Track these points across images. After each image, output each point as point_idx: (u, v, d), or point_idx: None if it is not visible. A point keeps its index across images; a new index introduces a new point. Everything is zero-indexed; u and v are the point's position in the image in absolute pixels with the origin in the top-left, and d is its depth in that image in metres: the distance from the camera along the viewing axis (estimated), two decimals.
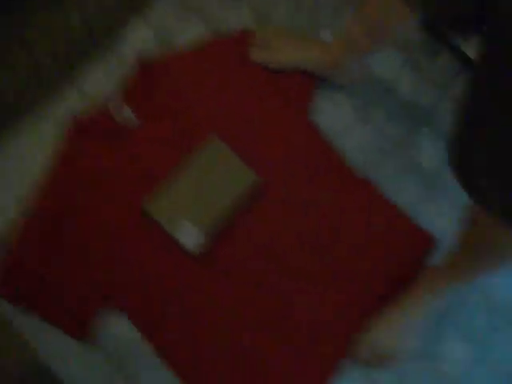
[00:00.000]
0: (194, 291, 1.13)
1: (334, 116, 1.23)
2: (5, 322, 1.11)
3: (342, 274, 1.15)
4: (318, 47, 1.20)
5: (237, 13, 1.28)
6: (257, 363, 1.11)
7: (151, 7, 1.27)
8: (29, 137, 1.21)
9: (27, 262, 1.11)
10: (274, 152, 1.19)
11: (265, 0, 1.29)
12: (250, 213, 1.17)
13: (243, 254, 1.15)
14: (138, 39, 1.26)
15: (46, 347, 1.11)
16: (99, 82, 1.23)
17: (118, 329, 1.12)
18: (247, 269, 1.14)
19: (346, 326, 1.13)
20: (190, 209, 1.14)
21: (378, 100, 1.25)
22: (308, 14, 1.29)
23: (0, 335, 1.11)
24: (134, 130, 1.18)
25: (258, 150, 1.19)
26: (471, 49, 1.21)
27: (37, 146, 1.20)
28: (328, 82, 1.23)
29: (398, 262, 1.16)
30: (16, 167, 1.19)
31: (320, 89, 1.24)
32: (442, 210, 1.19)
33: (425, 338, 1.12)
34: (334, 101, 1.24)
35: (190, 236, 1.13)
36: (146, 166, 1.17)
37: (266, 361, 1.11)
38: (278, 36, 1.23)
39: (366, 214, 1.17)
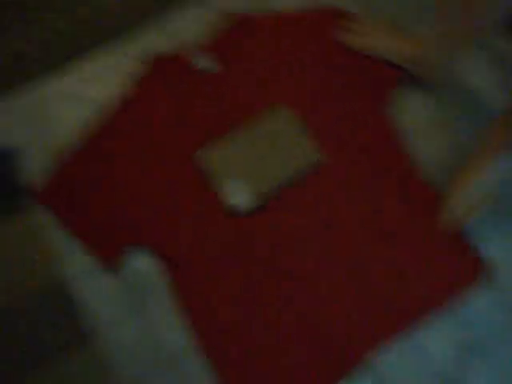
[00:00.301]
0: (226, 251, 1.10)
1: (414, 116, 1.20)
2: (33, 234, 1.10)
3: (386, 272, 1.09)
4: (411, 41, 1.18)
5: None
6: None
7: None
8: (104, 64, 1.21)
9: (76, 180, 1.11)
10: (340, 136, 1.16)
11: None
12: (304, 189, 1.13)
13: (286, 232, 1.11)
14: None
15: (68, 266, 1.09)
16: (187, 27, 1.23)
17: (140, 263, 1.10)
18: (283, 251, 1.10)
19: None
20: (245, 170, 1.12)
21: (463, 107, 1.21)
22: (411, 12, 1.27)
23: (26, 245, 1.09)
24: (208, 75, 1.18)
25: (324, 130, 1.16)
26: None
27: (110, 76, 1.20)
28: (417, 81, 1.21)
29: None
30: (85, 91, 1.19)
31: (407, 87, 1.21)
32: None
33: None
34: (418, 101, 1.21)
35: (238, 195, 1.10)
36: (205, 118, 1.16)
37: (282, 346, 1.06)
38: (377, 27, 1.22)
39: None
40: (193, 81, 1.18)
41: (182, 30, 1.24)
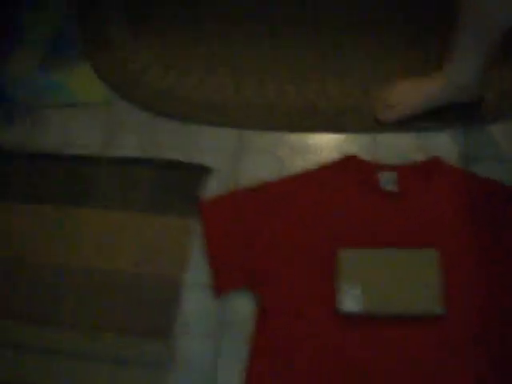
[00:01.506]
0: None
1: None
2: (184, 232, 1.30)
3: None
4: (435, 78, 1.29)
5: None
6: None
7: None
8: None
9: (236, 211, 1.29)
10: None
11: None
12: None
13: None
14: None
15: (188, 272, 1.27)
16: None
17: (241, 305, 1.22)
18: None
19: None
20: (368, 283, 1.18)
21: None
22: None
23: (174, 241, 1.30)
24: (387, 192, 1.28)
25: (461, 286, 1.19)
26: None
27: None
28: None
29: None
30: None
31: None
32: None
33: None
34: None
35: (350, 299, 1.17)
36: (367, 227, 1.25)
37: None
38: (395, 89, 1.35)
39: None
40: (373, 190, 1.28)
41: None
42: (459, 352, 1.13)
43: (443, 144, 1.37)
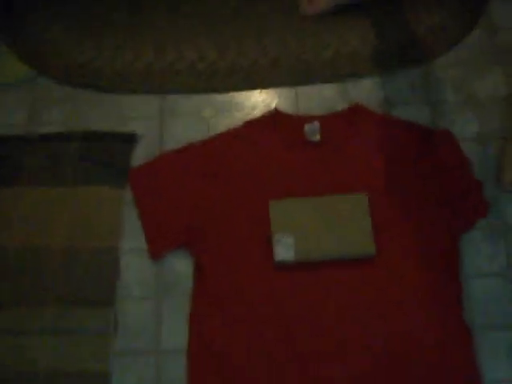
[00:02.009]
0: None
1: None
2: (116, 203, 1.33)
3: None
4: None
5: None
6: None
7: None
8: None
9: (164, 175, 1.31)
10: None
11: None
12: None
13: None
14: None
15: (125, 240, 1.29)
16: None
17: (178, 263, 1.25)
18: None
19: None
20: (301, 232, 1.21)
21: None
22: None
23: (104, 210, 1.32)
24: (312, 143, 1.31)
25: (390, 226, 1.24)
26: None
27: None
28: None
29: None
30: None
31: None
32: None
33: None
34: None
35: (284, 251, 1.20)
36: (295, 176, 1.29)
37: None
38: None
39: None
40: (298, 142, 1.31)
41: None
42: (388, 292, 1.18)
43: (364, 91, 1.41)
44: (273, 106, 1.40)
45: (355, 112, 1.35)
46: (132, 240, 1.27)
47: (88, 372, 1.17)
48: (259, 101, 1.42)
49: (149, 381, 1.16)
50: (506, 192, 1.28)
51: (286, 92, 1.42)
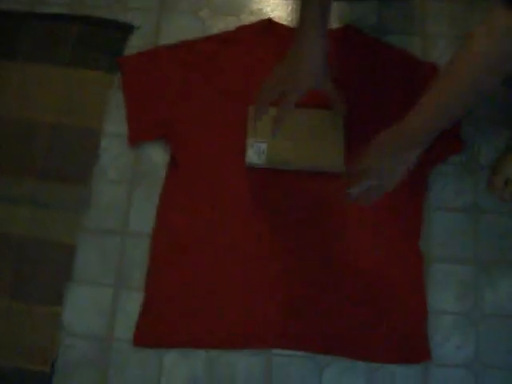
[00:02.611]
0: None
1: None
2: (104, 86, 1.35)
3: None
4: None
5: None
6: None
7: None
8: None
9: (155, 66, 1.34)
10: None
11: None
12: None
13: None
14: None
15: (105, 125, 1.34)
16: None
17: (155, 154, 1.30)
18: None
19: None
20: (276, 137, 1.21)
21: None
22: None
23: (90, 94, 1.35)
24: None
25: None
26: None
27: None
28: None
29: None
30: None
31: None
32: None
33: None
34: None
35: (256, 157, 1.25)
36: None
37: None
38: None
39: None
40: None
41: None
42: (349, 211, 1.24)
43: (358, 14, 1.41)
44: (270, 14, 1.41)
45: (346, 32, 1.36)
46: (115, 125, 1.32)
47: (57, 243, 1.24)
48: (256, 8, 1.42)
49: (111, 259, 1.23)
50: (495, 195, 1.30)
51: (283, 3, 1.43)
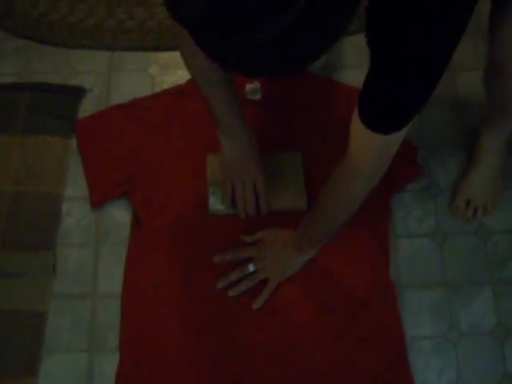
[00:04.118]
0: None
1: None
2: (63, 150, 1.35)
3: None
4: None
5: None
6: None
7: None
8: None
9: (106, 127, 1.36)
10: None
11: None
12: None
13: None
14: None
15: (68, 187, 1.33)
16: None
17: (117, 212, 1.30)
18: None
19: None
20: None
21: None
22: None
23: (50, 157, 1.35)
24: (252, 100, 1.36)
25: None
26: None
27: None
28: None
29: None
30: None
31: None
32: None
33: None
34: None
35: (216, 199, 1.25)
36: None
37: None
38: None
39: None
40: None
41: None
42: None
43: None
44: None
45: (296, 73, 1.39)
46: (75, 188, 1.32)
47: (27, 312, 1.22)
48: None
49: (83, 323, 1.21)
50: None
51: None
